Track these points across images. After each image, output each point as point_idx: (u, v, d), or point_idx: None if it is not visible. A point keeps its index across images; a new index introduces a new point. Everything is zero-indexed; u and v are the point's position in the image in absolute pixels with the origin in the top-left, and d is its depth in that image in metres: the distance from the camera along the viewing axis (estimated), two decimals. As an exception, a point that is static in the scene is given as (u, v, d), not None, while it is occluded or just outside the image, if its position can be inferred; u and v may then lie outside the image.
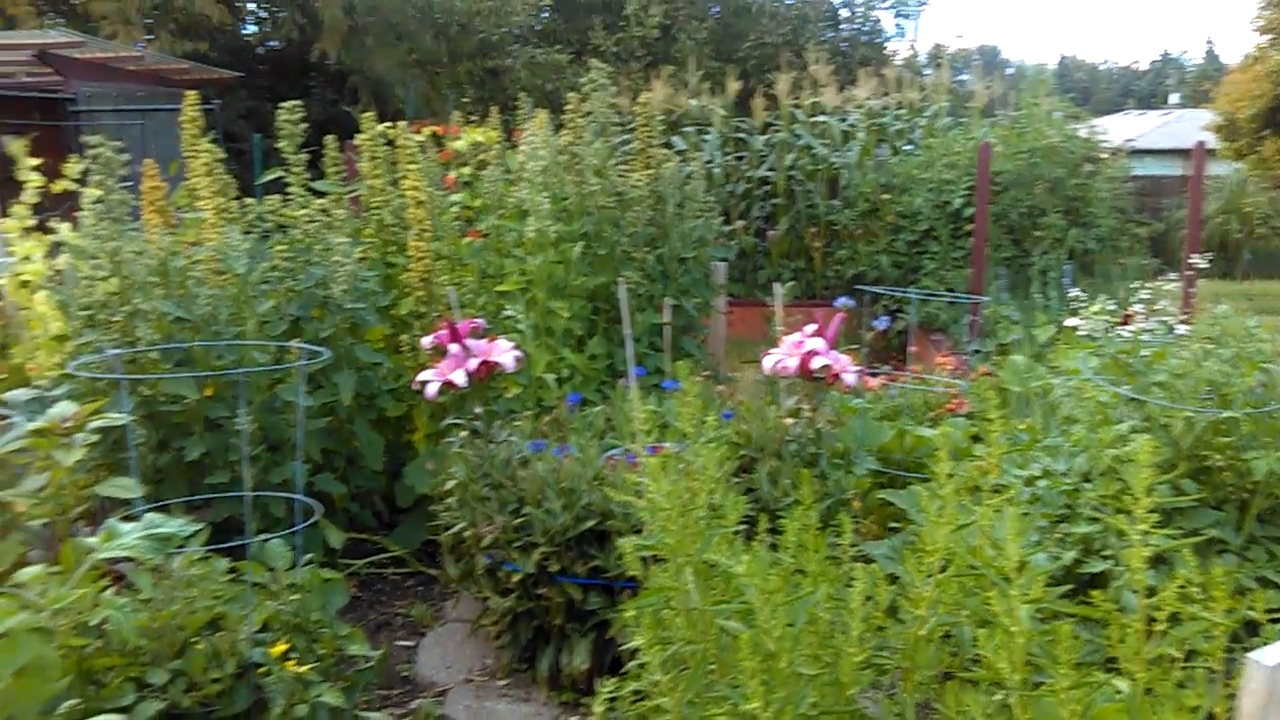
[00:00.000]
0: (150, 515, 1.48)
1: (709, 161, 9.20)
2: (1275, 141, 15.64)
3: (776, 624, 1.42)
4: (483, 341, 3.07)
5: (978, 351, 4.89)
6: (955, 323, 5.95)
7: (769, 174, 9.52)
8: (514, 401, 3.59)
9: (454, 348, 3.02)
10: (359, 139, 4.50)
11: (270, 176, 4.13)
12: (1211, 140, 15.69)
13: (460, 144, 6.79)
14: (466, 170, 6.02)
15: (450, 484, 2.86)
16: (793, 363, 2.69)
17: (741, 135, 9.93)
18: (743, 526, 1.73)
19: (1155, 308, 3.88)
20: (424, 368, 3.22)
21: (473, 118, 7.61)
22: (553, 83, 13.56)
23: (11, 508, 2.63)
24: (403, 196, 4.13)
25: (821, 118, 9.81)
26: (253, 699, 1.94)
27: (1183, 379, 2.18)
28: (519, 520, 2.61)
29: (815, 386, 2.84)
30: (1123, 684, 1.35)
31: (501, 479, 2.75)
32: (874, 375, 4.08)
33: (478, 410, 3.04)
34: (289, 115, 3.87)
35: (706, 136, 9.68)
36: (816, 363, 2.69)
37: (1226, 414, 2.12)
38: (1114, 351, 2.59)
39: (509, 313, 3.83)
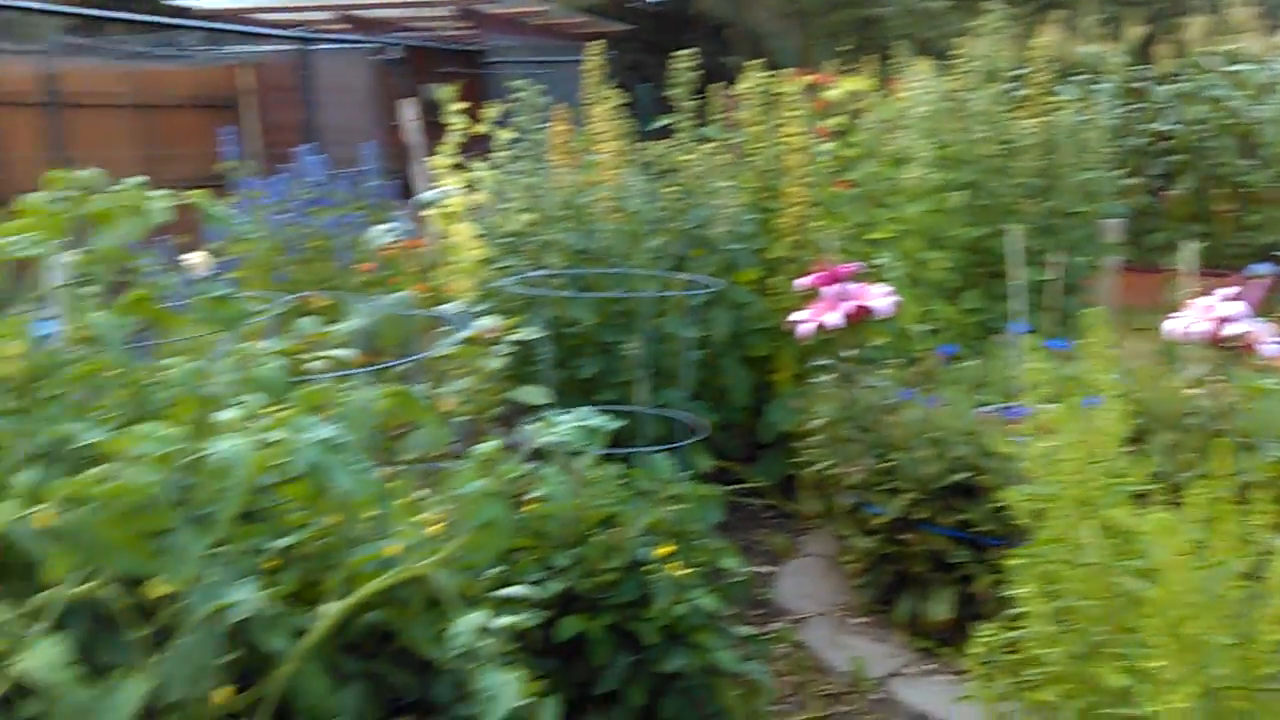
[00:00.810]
0: (581, 409, 1.68)
1: (1102, 112, 8.47)
2: None
3: (1185, 588, 1.35)
4: (858, 286, 3.10)
5: None
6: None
7: (1170, 128, 8.61)
8: (880, 350, 3.59)
9: (829, 290, 3.08)
10: (739, 87, 4.64)
11: (661, 123, 4.39)
12: None
13: (834, 93, 6.78)
14: (840, 119, 6.02)
15: (816, 423, 2.94)
16: (1203, 328, 2.48)
17: (1140, 85, 9.04)
18: (1140, 493, 1.65)
19: None
20: (790, 310, 3.32)
21: (848, 67, 7.55)
22: (929, 30, 13.08)
23: (441, 405, 3.06)
24: (781, 144, 4.22)
25: (1238, 66, 8.69)
26: (639, 593, 2.13)
27: None
28: (885, 465, 2.64)
29: (1226, 357, 2.60)
30: None
31: (869, 423, 2.79)
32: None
33: (846, 354, 3.09)
34: (683, 64, 4.08)
35: (1101, 86, 8.92)
36: (1231, 330, 2.46)
37: None
38: None
39: (880, 261, 3.82)
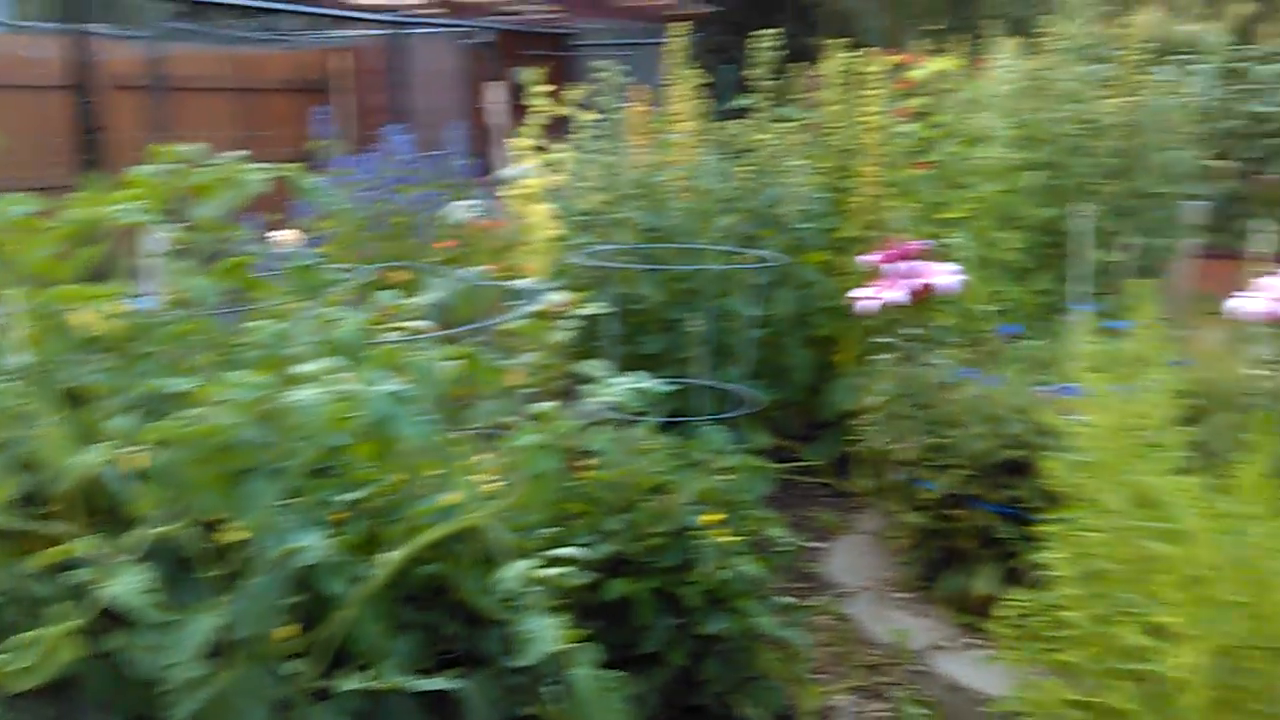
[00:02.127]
0: (636, 373, 1.78)
1: (1201, 94, 8.17)
2: None
3: (1205, 549, 1.39)
4: (924, 264, 3.12)
5: None
6: None
7: (1270, 109, 8.26)
8: (945, 329, 3.60)
9: (895, 268, 3.11)
10: (820, 67, 4.66)
11: (738, 103, 4.44)
12: None
13: (920, 73, 6.70)
14: (924, 99, 5.96)
15: (873, 400, 2.98)
16: (1258, 306, 2.45)
17: (1241, 65, 8.69)
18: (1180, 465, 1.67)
19: None
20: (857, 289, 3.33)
21: (937, 47, 7.45)
22: (1023, 9, 12.73)
23: (509, 377, 3.18)
24: (858, 123, 4.23)
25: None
26: (684, 558, 2.22)
27: None
28: (939, 441, 2.67)
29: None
30: None
31: (926, 400, 2.82)
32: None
33: (908, 332, 3.12)
34: (762, 43, 4.14)
35: (1200, 66, 8.60)
36: (1295, 312, 2.42)
37: None
38: None
39: (951, 241, 3.81)
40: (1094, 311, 3.46)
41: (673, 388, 2.04)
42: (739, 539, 2.29)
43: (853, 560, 2.96)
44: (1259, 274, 2.68)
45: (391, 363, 1.72)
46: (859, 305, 3.06)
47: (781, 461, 3.67)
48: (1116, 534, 1.55)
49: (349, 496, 1.91)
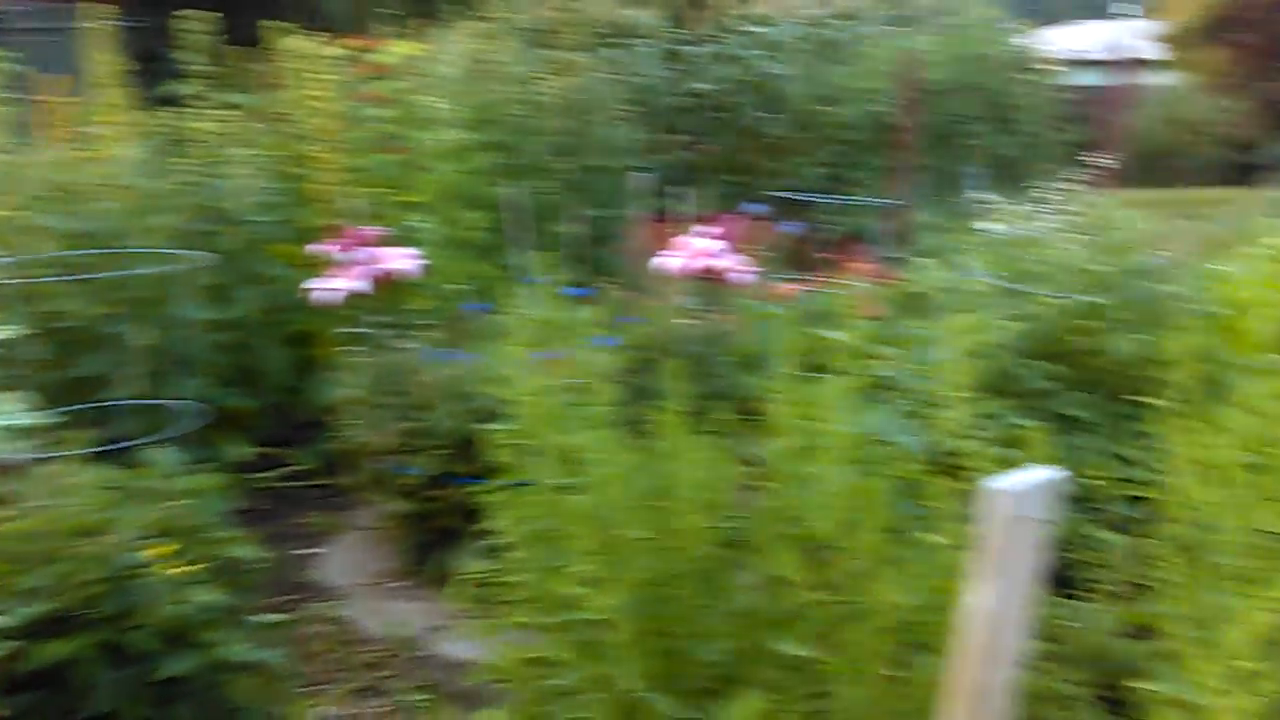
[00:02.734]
0: (6, 407, 1.49)
1: (647, 74, 9.06)
2: (1216, 52, 15.73)
3: (616, 493, 1.46)
4: (383, 249, 3.06)
5: (893, 257, 4.93)
6: (878, 231, 5.99)
7: (705, 87, 9.40)
8: (421, 313, 3.59)
9: (355, 255, 3.01)
10: (274, 52, 4.40)
11: (173, 90, 4.04)
12: (1156, 50, 15.79)
13: (387, 58, 6.64)
14: (393, 85, 5.92)
15: (350, 392, 2.87)
16: (675, 263, 2.71)
17: (679, 48, 9.78)
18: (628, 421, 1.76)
19: (1049, 206, 3.92)
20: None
21: (403, 32, 7.45)
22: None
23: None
24: (315, 109, 4.06)
25: (758, 28, 9.69)
26: (129, 601, 1.96)
27: (1050, 267, 2.24)
28: (415, 425, 2.64)
29: (712, 289, 2.87)
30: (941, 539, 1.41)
31: (400, 386, 2.77)
32: (785, 281, 4.12)
33: (376, 320, 3.05)
34: (191, 26, 3.80)
35: (643, 49, 9.52)
36: (703, 263, 2.71)
37: (1090, 299, 2.18)
38: (998, 247, 2.64)
39: (415, 224, 3.80)
40: (542, 283, 3.66)
41: (45, 420, 1.75)
42: (196, 568, 2.07)
43: (347, 559, 2.86)
44: (679, 234, 2.96)
45: None
46: (317, 297, 2.92)
47: (268, 469, 3.44)
48: (545, 493, 1.59)
49: None
